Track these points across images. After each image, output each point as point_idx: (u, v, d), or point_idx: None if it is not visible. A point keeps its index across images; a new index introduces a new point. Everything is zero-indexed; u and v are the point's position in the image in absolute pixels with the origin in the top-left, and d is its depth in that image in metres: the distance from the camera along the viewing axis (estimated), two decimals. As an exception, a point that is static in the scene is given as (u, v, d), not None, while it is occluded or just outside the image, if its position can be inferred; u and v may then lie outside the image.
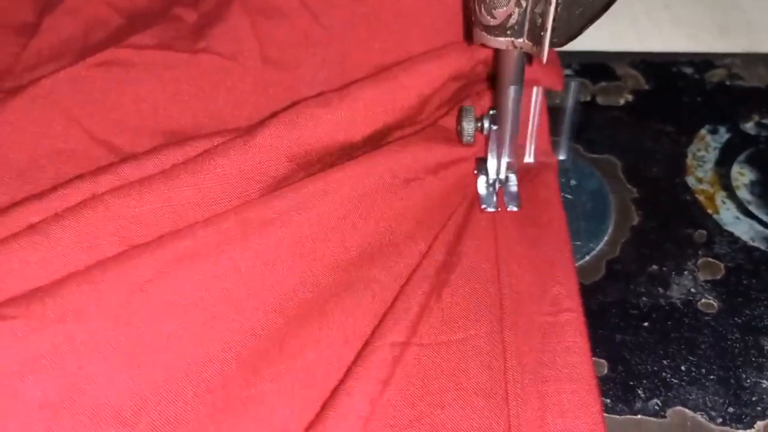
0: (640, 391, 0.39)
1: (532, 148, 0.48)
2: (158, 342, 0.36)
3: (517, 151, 0.46)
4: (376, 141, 0.44)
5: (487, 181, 0.47)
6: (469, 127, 0.46)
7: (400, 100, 0.43)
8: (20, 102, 0.45)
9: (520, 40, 0.39)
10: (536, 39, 0.39)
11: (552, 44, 0.38)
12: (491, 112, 0.46)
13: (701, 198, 0.48)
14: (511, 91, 0.41)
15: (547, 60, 0.37)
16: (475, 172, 0.48)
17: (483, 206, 0.46)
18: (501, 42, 0.40)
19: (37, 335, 0.33)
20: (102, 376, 0.34)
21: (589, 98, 0.55)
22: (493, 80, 0.49)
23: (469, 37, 0.44)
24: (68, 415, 0.33)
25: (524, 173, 0.47)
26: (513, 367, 0.37)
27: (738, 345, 0.41)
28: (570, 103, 0.42)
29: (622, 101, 0.55)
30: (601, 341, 0.41)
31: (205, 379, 0.36)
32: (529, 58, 0.41)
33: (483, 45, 0.41)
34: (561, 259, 0.41)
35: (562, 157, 0.49)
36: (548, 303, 0.40)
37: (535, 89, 0.45)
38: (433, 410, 0.36)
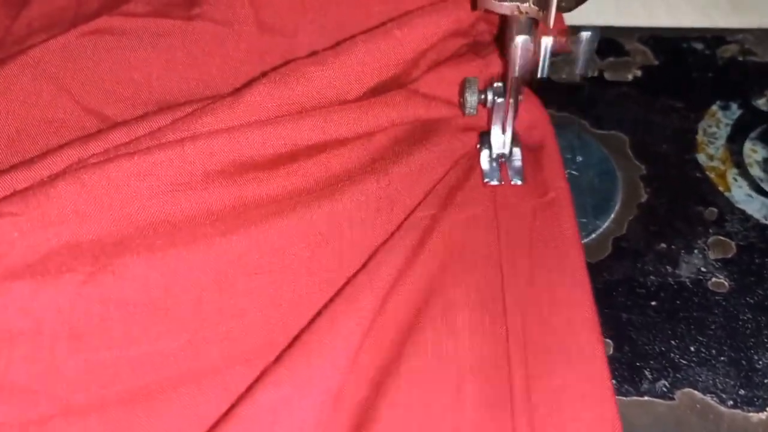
0: (647, 372, 0.38)
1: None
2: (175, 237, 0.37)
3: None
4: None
5: (491, 155, 0.45)
6: (472, 99, 0.44)
7: (396, 55, 0.42)
8: (9, 70, 0.43)
9: (526, 4, 0.38)
10: (543, 3, 0.37)
11: (560, 8, 0.36)
12: (495, 84, 0.45)
13: (712, 175, 0.47)
14: (519, 40, 0.39)
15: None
16: (478, 146, 0.46)
17: (486, 180, 0.45)
18: (506, 7, 0.38)
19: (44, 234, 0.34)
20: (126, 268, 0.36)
21: (596, 74, 0.53)
22: (498, 38, 0.48)
23: (473, 3, 0.42)
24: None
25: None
26: (504, 238, 0.41)
27: (750, 325, 0.39)
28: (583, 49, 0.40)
29: (630, 77, 0.53)
30: (607, 320, 0.39)
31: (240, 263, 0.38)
32: (535, 23, 0.39)
33: (487, 11, 0.39)
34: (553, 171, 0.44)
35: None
36: (538, 187, 0.43)
37: (544, 40, 0.43)
38: (439, 271, 0.39)
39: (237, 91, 0.39)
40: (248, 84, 0.40)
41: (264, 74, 0.40)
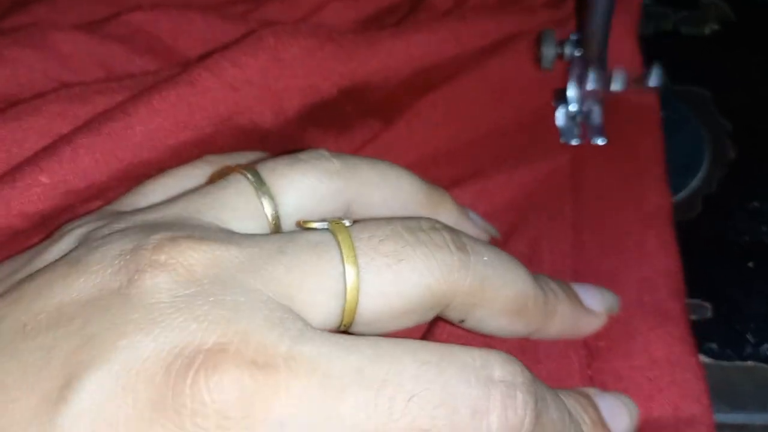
0: (749, 336, 0.35)
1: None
2: None
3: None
4: None
5: (567, 113, 0.43)
6: (548, 52, 0.42)
7: None
8: None
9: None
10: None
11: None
12: (572, 36, 0.42)
13: (802, 132, 0.44)
14: None
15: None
16: (554, 103, 0.44)
17: (563, 139, 0.42)
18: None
19: None
20: None
21: (671, 28, 0.50)
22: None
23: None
24: None
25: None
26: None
27: None
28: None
29: (707, 31, 0.50)
30: (701, 282, 0.37)
31: None
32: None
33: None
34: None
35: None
36: (624, 144, 0.42)
37: None
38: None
39: None
40: None
41: None
